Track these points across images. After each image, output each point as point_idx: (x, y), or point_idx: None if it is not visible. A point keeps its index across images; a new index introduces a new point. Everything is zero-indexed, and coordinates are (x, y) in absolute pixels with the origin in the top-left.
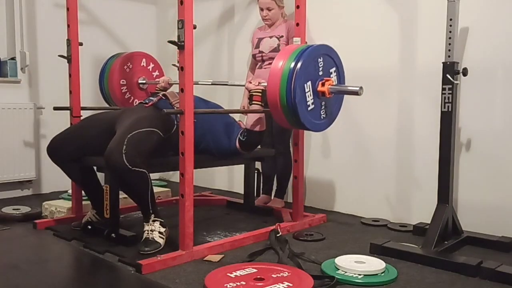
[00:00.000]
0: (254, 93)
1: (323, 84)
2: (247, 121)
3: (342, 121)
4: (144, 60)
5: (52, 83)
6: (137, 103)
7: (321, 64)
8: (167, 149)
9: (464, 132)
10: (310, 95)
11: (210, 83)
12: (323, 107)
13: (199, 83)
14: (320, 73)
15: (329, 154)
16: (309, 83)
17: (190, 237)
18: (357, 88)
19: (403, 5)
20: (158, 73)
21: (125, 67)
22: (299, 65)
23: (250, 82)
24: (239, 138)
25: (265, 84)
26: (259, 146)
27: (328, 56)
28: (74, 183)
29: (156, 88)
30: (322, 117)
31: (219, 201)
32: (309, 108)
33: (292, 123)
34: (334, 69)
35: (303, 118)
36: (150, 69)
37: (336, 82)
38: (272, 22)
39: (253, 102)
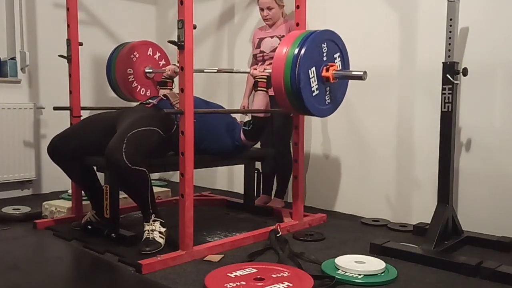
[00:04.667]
0: (259, 80)
1: (327, 70)
2: (252, 107)
3: (342, 120)
4: (150, 49)
5: (52, 83)
6: (142, 91)
7: (325, 49)
8: (167, 148)
9: (464, 132)
10: (315, 81)
11: (215, 70)
12: (327, 93)
13: (204, 71)
14: (325, 58)
15: (329, 154)
16: (313, 68)
17: (190, 237)
18: (361, 73)
19: (403, 5)
20: (164, 62)
21: (132, 56)
22: (303, 50)
23: (255, 69)
24: (243, 129)
25: (270, 70)
26: (260, 144)
27: (332, 42)
28: (74, 183)
29: (163, 77)
30: (327, 103)
31: (219, 201)
32: (313, 94)
33: (297, 108)
34: (338, 54)
35: (308, 103)
36: (157, 58)
37: (341, 68)
38: (273, 22)
39: (259, 88)
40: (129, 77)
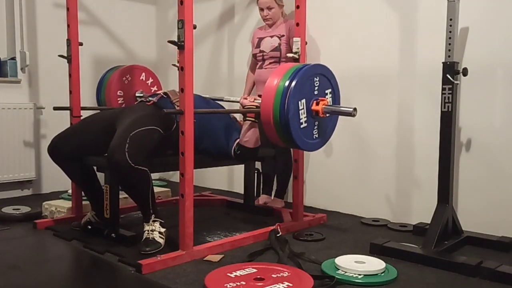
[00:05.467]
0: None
1: (317, 104)
2: (241, 136)
3: (342, 120)
4: (143, 74)
5: (52, 83)
6: (138, 101)
7: (317, 83)
8: (167, 147)
9: (464, 132)
10: (304, 113)
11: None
12: (316, 127)
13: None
14: (316, 92)
15: (329, 154)
16: (303, 100)
17: (190, 237)
18: (351, 109)
19: (403, 5)
20: (156, 88)
21: (124, 78)
22: (294, 83)
23: (246, 98)
24: (234, 148)
25: (260, 101)
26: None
27: (324, 77)
28: (74, 183)
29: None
30: (314, 137)
31: (219, 201)
32: (301, 126)
33: (284, 140)
34: (329, 90)
35: (295, 135)
36: (149, 84)
37: (331, 103)
38: (273, 22)
39: (247, 118)
40: (118, 99)
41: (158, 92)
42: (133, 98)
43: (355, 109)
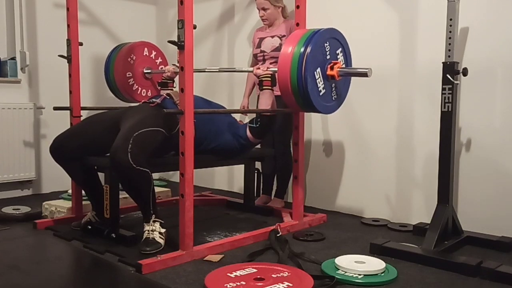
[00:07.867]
0: (263, 79)
1: (331, 68)
2: (258, 106)
3: (342, 120)
4: (146, 49)
5: (52, 83)
6: (143, 93)
7: (327, 48)
8: (169, 148)
9: (464, 132)
10: (321, 81)
11: (217, 70)
12: (333, 89)
13: (205, 70)
14: (328, 57)
15: (329, 154)
16: (318, 69)
17: (190, 237)
18: (366, 70)
19: (403, 5)
20: (161, 60)
21: (129, 59)
22: (307, 52)
23: (258, 68)
24: (250, 126)
25: (274, 69)
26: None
27: (333, 39)
28: (75, 183)
29: (163, 77)
30: (333, 99)
31: (219, 201)
32: (321, 94)
33: (303, 107)
34: (340, 49)
35: (316, 103)
36: (153, 57)
37: (343, 62)
38: (270, 22)
39: (264, 87)
40: (129, 80)
41: (166, 82)
42: (142, 75)
43: (370, 70)
